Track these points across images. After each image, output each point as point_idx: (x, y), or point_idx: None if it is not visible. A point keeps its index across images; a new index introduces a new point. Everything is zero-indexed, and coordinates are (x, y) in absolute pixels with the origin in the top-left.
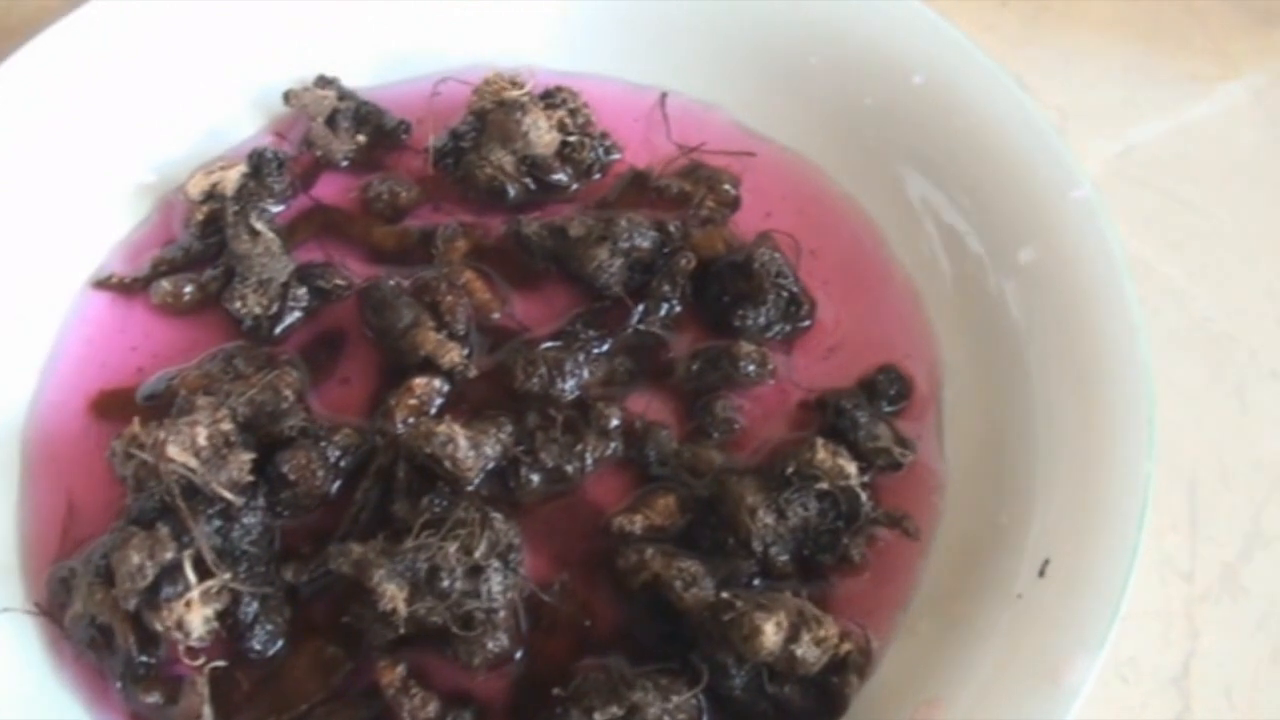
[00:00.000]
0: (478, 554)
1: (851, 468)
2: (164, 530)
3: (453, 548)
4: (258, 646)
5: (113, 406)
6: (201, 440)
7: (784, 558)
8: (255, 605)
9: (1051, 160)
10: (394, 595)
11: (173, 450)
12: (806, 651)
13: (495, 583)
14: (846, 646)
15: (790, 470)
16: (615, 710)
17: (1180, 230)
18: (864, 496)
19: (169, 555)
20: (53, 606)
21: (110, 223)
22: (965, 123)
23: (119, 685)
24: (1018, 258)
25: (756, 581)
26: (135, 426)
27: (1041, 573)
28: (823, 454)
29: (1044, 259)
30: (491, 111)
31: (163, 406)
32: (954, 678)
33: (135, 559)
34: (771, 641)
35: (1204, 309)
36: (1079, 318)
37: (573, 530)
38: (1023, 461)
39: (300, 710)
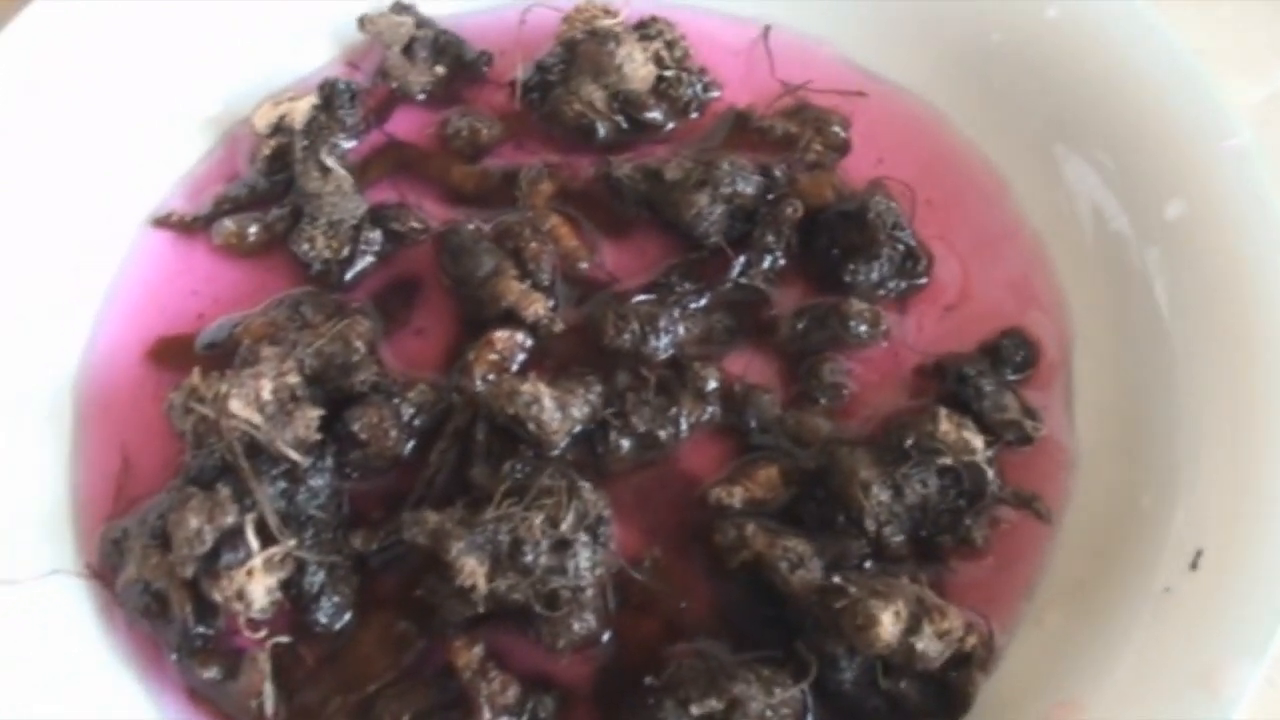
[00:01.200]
0: (565, 527)
1: (978, 441)
2: (224, 492)
3: (538, 519)
4: (323, 619)
5: (171, 354)
6: (266, 394)
7: (899, 538)
8: (321, 575)
9: (1202, 105)
10: (474, 570)
11: (235, 405)
12: (928, 645)
13: (583, 558)
14: (971, 640)
15: (910, 443)
16: (714, 704)
17: None
18: (991, 473)
19: (230, 519)
20: (105, 569)
21: (171, 157)
22: (1105, 62)
23: (174, 657)
24: (1164, 213)
25: (868, 564)
26: (195, 378)
27: (1194, 565)
28: (947, 425)
29: (1193, 215)
30: (582, 42)
31: (223, 356)
32: (1090, 679)
33: (193, 523)
34: (889, 633)
35: None
36: (1231, 279)
37: (665, 501)
38: (1165, 438)
39: (368, 691)
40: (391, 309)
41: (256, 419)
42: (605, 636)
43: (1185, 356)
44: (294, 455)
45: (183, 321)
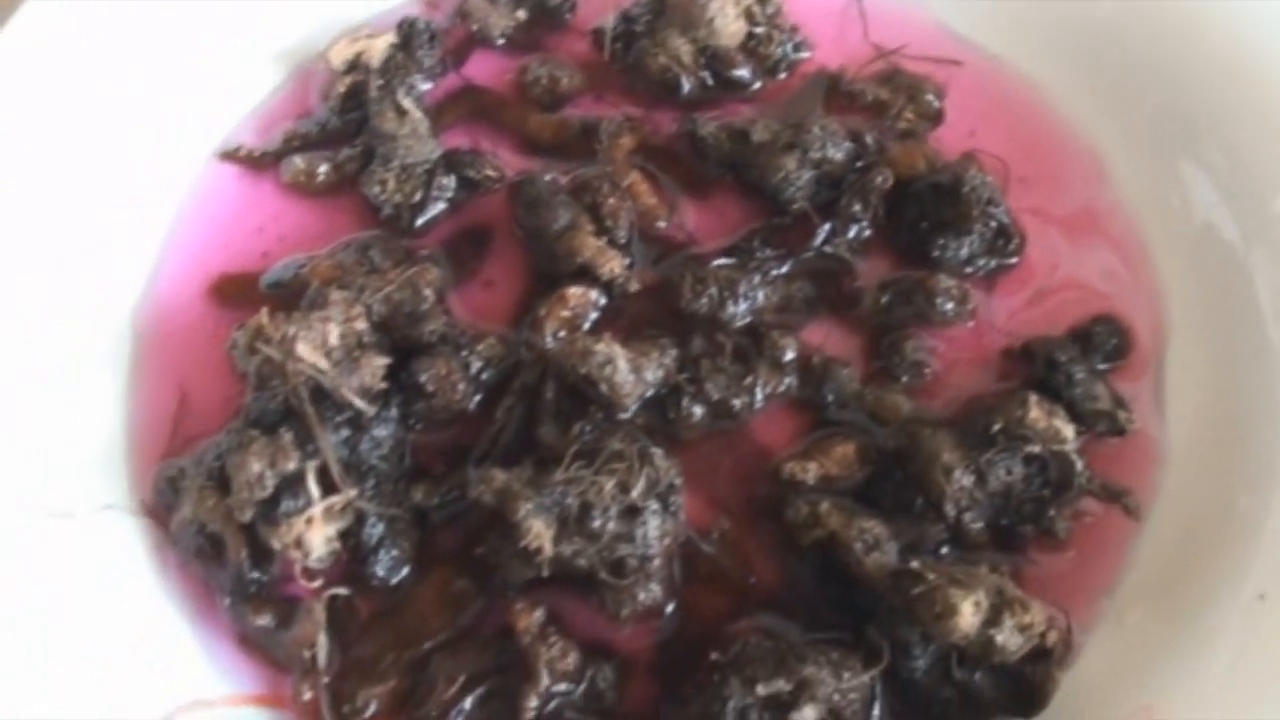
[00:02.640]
0: (635, 493)
1: (1069, 430)
2: (287, 437)
3: (609, 484)
4: (381, 573)
5: (234, 292)
6: (334, 339)
7: (979, 525)
8: (381, 527)
9: None
10: (540, 533)
11: (302, 348)
12: (1008, 638)
13: (653, 526)
14: (1052, 636)
15: (997, 428)
16: (782, 684)
17: None
18: (1080, 464)
19: (291, 466)
20: (159, 508)
21: (241, 90)
22: (1221, 40)
23: (227, 602)
24: (1273, 207)
25: (945, 550)
26: (263, 317)
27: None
28: (1036, 412)
29: None
30: None
31: (288, 296)
32: (1173, 683)
33: (255, 467)
34: (968, 623)
35: None
36: None
37: (736, 472)
38: (1263, 440)
39: (423, 648)
40: (462, 258)
41: (323, 364)
42: (670, 608)
43: None
44: (359, 403)
45: (247, 259)
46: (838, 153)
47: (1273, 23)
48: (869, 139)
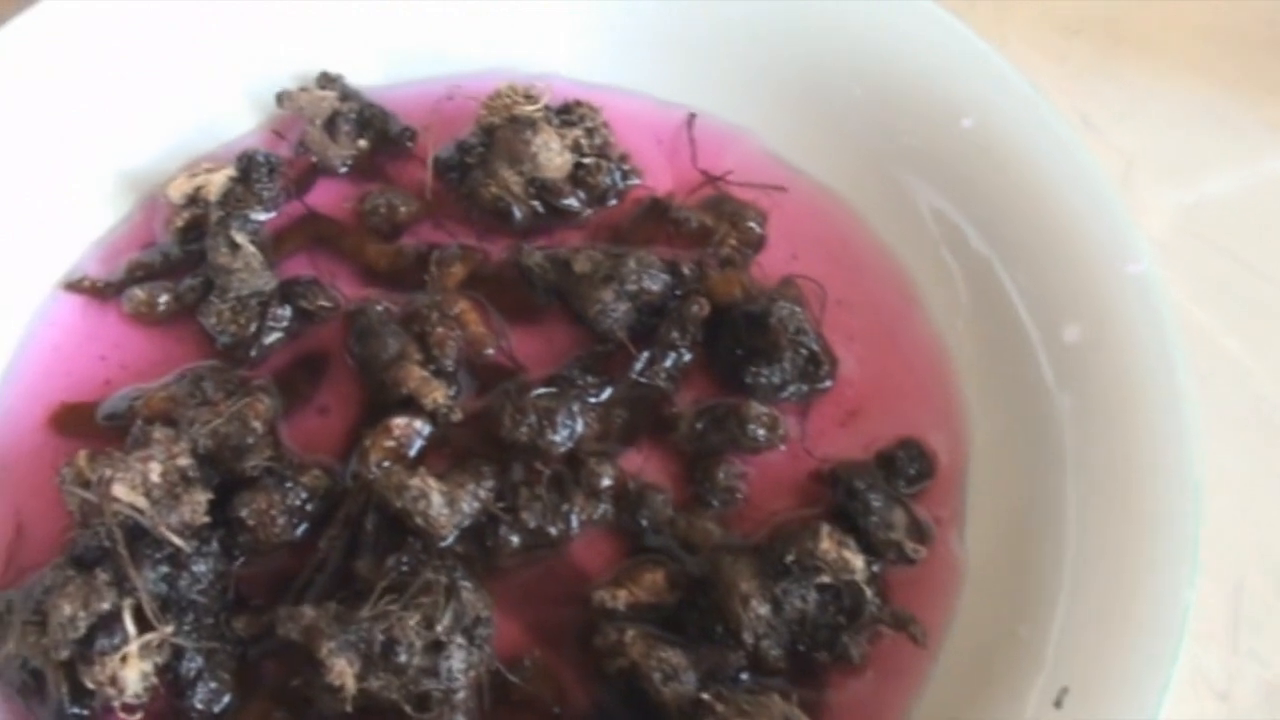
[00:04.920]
0: (440, 628)
1: (858, 561)
2: (102, 577)
3: (413, 620)
4: (199, 705)
5: (73, 422)
6: (154, 477)
7: (776, 652)
8: (200, 660)
9: (1110, 228)
10: (343, 670)
11: (120, 490)
12: None
13: (457, 660)
14: None
15: (790, 558)
16: None
17: (1246, 299)
18: (870, 593)
19: (105, 606)
20: None
21: (88, 219)
22: (1017, 177)
23: None
24: (1063, 334)
25: (745, 675)
26: (81, 459)
27: (1058, 703)
28: (827, 544)
29: (1092, 339)
30: (501, 128)
31: (123, 427)
32: None
33: (67, 609)
34: None
35: (1262, 388)
36: (1125, 411)
37: (551, 597)
38: (1050, 565)
39: None
40: (296, 385)
41: (142, 503)
42: None
43: (1074, 484)
44: (178, 541)
45: (89, 387)
46: (654, 284)
47: (1058, 159)
48: (686, 269)
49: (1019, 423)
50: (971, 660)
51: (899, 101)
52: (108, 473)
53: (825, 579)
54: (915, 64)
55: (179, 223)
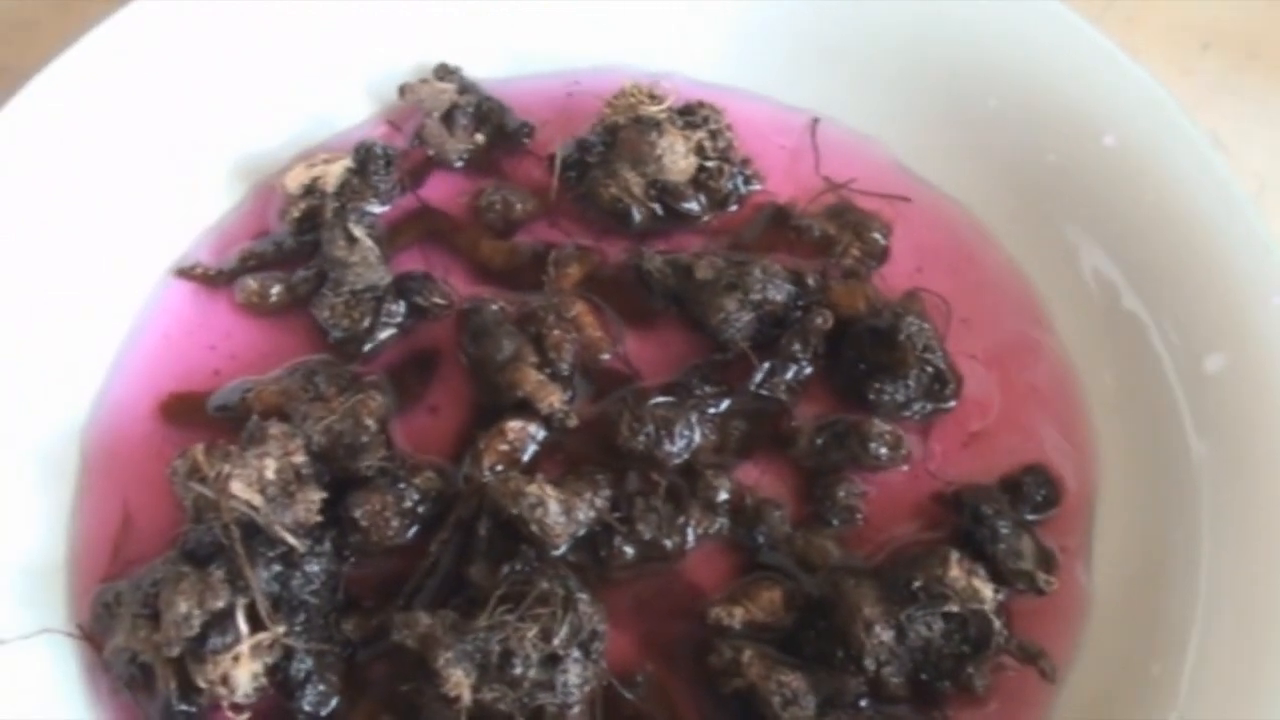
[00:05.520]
0: (557, 641)
1: (987, 591)
2: (217, 574)
3: (531, 632)
4: (308, 708)
5: (183, 411)
6: (270, 474)
7: (898, 679)
8: (309, 662)
9: (1256, 257)
10: (460, 681)
11: (237, 486)
12: None
13: (573, 674)
14: None
15: (917, 584)
16: None
17: None
18: (998, 624)
19: (220, 604)
20: (95, 631)
21: (201, 206)
22: (1160, 198)
23: None
24: (1203, 364)
25: (864, 702)
26: (199, 453)
27: None
28: (956, 572)
29: (1234, 370)
30: (624, 128)
31: (233, 419)
32: None
33: (182, 607)
34: None
35: None
36: (1268, 444)
37: (665, 612)
38: (1183, 603)
39: None
40: (408, 383)
41: (257, 500)
42: None
43: (1210, 519)
44: (292, 540)
45: (198, 377)
46: (778, 294)
47: (1202, 182)
48: (810, 280)
49: (1151, 454)
50: (1097, 695)
51: (1037, 116)
52: (225, 468)
53: (953, 607)
54: (1055, 76)
55: (295, 213)
